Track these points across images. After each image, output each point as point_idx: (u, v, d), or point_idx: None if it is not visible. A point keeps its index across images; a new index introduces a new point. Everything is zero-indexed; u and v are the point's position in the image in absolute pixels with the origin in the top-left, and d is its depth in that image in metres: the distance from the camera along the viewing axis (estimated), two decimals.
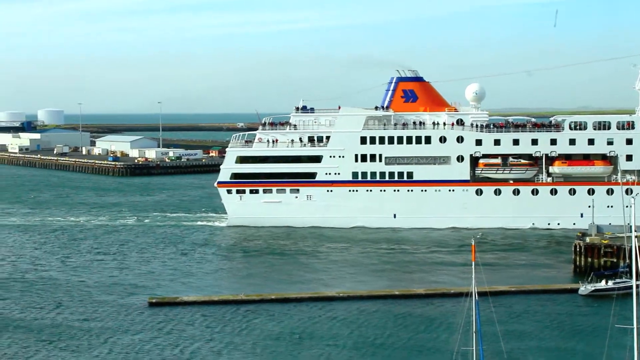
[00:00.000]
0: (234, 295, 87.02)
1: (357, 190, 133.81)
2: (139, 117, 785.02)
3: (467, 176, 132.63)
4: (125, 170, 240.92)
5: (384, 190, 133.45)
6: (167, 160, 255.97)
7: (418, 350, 69.48)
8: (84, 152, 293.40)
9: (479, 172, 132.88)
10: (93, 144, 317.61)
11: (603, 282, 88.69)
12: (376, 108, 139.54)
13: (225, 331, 74.96)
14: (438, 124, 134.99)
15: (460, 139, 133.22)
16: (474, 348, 54.13)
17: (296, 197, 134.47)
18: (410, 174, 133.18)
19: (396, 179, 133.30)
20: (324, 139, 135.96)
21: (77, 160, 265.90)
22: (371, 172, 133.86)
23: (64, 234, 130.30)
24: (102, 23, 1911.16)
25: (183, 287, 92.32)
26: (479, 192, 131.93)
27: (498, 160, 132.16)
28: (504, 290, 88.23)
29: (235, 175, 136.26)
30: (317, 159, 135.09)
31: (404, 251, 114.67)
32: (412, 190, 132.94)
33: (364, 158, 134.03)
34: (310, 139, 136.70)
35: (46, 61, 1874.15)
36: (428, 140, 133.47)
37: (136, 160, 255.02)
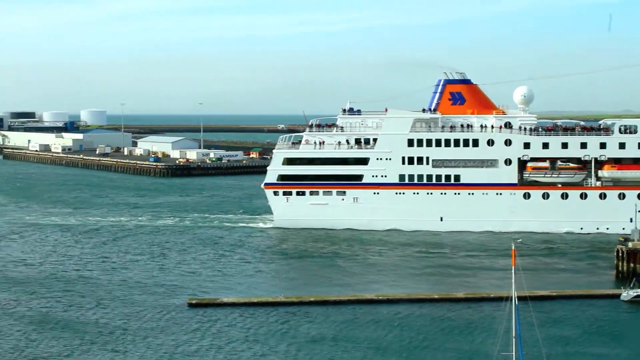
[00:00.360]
0: (273, 297, 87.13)
1: (403, 193, 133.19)
2: (181, 118, 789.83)
3: (514, 179, 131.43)
4: (166, 171, 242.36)
5: (431, 193, 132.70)
6: (207, 161, 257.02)
7: (457, 354, 69.05)
8: (125, 153, 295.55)
9: (527, 175, 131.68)
10: (135, 144, 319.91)
11: None
12: (423, 110, 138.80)
13: (264, 333, 75.01)
14: (486, 126, 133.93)
15: (508, 142, 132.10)
16: (514, 353, 53.71)
17: (343, 199, 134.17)
18: (457, 177, 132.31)
19: (443, 181, 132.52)
20: (371, 141, 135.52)
21: (118, 160, 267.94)
22: (418, 175, 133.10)
23: (105, 233, 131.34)
24: (144, 23, 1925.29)
25: (223, 288, 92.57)
26: (526, 196, 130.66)
27: (546, 164, 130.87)
28: (544, 295, 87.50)
29: (282, 177, 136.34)
30: (364, 161, 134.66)
31: (445, 255, 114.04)
32: (459, 193, 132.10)
33: (411, 160, 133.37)
34: (357, 141, 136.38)
35: (89, 62, 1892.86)
36: (476, 143, 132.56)
37: (177, 161, 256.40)
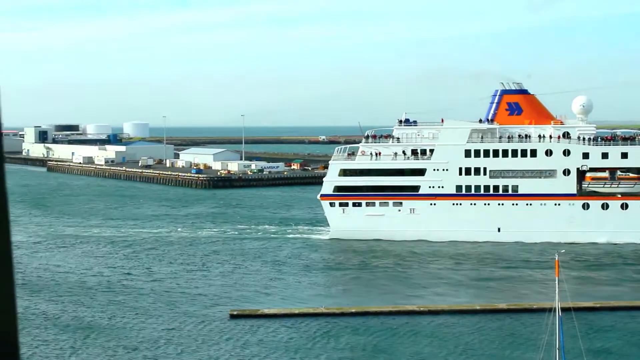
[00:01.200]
0: (314, 309, 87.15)
1: (460, 204, 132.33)
2: (222, 129, 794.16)
3: (573, 190, 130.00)
4: (208, 182, 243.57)
5: (488, 204, 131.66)
6: (249, 172, 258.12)
7: None
8: (167, 165, 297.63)
9: (586, 186, 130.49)
10: (177, 156, 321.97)
11: None
12: (480, 121, 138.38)
13: (304, 344, 75.04)
14: (544, 137, 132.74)
15: (566, 152, 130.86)
16: None
17: (399, 211, 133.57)
18: (515, 188, 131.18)
19: (501, 192, 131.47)
20: (428, 152, 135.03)
21: (161, 172, 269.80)
22: (475, 186, 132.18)
23: (147, 244, 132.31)
24: (186, 36, 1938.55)
25: (269, 299, 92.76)
26: (585, 207, 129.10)
27: (606, 174, 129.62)
28: (588, 306, 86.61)
29: (338, 188, 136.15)
30: (420, 172, 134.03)
31: (497, 265, 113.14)
32: (517, 204, 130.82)
33: (468, 171, 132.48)
34: (414, 152, 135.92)
35: (131, 75, 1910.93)
36: (534, 153, 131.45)
37: (219, 173, 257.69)
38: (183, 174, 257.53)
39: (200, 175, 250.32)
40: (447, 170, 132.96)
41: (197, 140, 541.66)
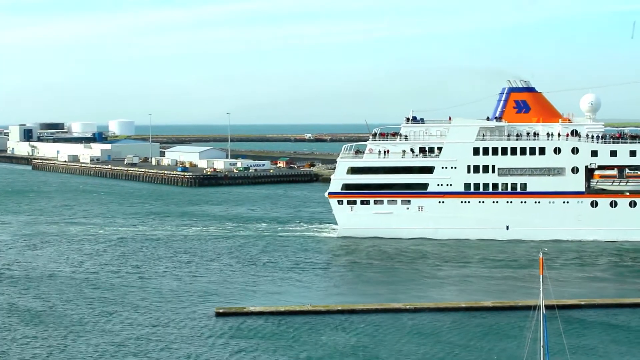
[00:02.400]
0: (300, 306, 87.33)
1: (469, 202, 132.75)
2: (208, 128, 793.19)
3: (582, 188, 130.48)
4: (193, 180, 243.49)
5: (497, 202, 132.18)
6: (235, 170, 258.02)
7: None
8: (153, 163, 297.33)
9: (594, 183, 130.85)
10: (162, 154, 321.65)
11: None
12: (487, 119, 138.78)
13: (289, 342, 75.17)
14: (552, 134, 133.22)
15: (575, 150, 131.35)
16: None
17: (407, 208, 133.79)
18: (523, 185, 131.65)
19: (509, 190, 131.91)
20: (436, 150, 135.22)
21: (146, 170, 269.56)
22: (484, 184, 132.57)
23: (132, 242, 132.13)
24: (171, 34, 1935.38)
25: (258, 297, 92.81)
26: (594, 204, 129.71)
27: (614, 172, 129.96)
28: (572, 304, 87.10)
29: (346, 186, 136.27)
30: (429, 169, 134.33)
31: (501, 265, 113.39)
32: (525, 202, 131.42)
33: (476, 169, 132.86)
34: (422, 150, 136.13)
35: (117, 73, 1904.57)
36: (542, 151, 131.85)
37: (204, 171, 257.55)
38: (169, 172, 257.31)
39: (186, 174, 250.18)
40: (455, 168, 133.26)
41: (182, 138, 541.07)
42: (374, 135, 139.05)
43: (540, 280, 54.08)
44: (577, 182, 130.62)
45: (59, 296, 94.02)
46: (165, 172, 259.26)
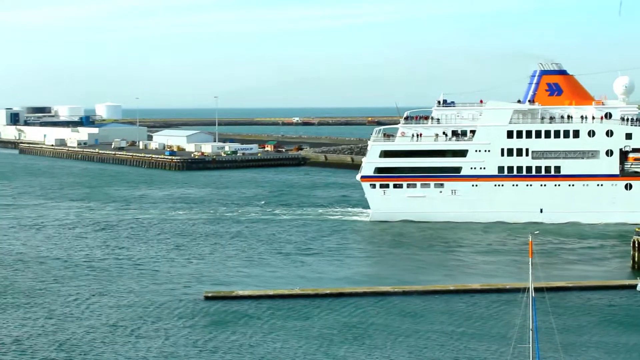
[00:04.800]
0: (289, 290, 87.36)
1: (502, 185, 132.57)
2: (196, 111, 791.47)
3: (616, 171, 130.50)
4: (181, 164, 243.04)
5: (531, 185, 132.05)
6: (222, 154, 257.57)
7: (473, 346, 69.04)
8: (141, 147, 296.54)
9: (629, 166, 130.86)
10: (150, 138, 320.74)
11: None
12: (518, 101, 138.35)
13: (277, 326, 75.22)
14: (586, 117, 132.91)
15: (609, 133, 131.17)
16: (530, 345, 53.71)
17: (440, 192, 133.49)
18: (557, 169, 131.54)
19: (543, 173, 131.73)
20: (468, 133, 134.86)
21: (134, 154, 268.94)
22: (517, 167, 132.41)
23: (121, 226, 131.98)
24: (160, 18, 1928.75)
25: (244, 282, 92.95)
26: (628, 187, 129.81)
27: None
28: (561, 286, 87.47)
29: (379, 170, 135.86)
30: (462, 153, 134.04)
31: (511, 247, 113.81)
32: (559, 185, 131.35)
33: (510, 152, 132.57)
34: (454, 133, 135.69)
35: (104, 56, 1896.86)
36: (576, 134, 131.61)
37: (192, 155, 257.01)
38: (156, 156, 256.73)
39: (173, 157, 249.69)
40: (489, 151, 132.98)
41: (170, 122, 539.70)
42: (405, 118, 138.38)
43: (530, 263, 54.15)
44: (611, 165, 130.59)
45: (47, 276, 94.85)
46: (153, 156, 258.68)
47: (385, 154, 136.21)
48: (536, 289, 55.29)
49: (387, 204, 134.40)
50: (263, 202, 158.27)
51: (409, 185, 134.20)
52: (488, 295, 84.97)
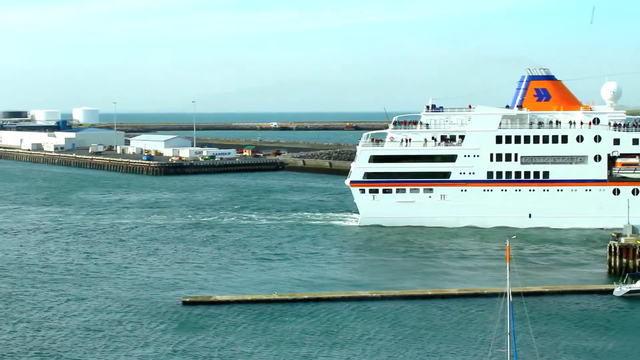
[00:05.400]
0: (267, 295, 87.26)
1: (491, 190, 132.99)
2: (173, 116, 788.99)
3: (604, 176, 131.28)
4: (159, 169, 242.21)
5: (519, 190, 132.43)
6: (200, 159, 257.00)
7: (452, 351, 69.21)
8: (118, 151, 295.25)
9: (617, 171, 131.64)
10: (127, 143, 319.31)
11: (638, 283, 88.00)
12: (507, 107, 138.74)
13: (255, 331, 75.12)
14: (574, 123, 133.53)
15: (597, 138, 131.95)
16: (508, 350, 53.92)
17: (430, 197, 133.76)
18: (546, 174, 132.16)
19: (532, 178, 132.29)
20: (457, 138, 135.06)
21: (111, 159, 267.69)
22: (506, 172, 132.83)
23: (98, 232, 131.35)
24: (137, 22, 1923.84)
25: (223, 287, 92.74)
26: (616, 192, 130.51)
27: (636, 160, 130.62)
28: (538, 290, 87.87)
29: (368, 175, 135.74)
30: (451, 158, 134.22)
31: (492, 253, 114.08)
32: (547, 190, 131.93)
33: (499, 157, 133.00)
34: (444, 138, 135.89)
35: (81, 61, 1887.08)
36: (565, 139, 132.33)
37: (170, 160, 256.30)
38: (134, 161, 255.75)
39: (151, 162, 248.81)
40: (478, 156, 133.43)
41: (148, 126, 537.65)
42: (394, 123, 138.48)
43: (507, 267, 54.39)
44: (600, 170, 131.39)
45: (23, 281, 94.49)
46: (131, 160, 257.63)
47: (375, 159, 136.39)
48: (514, 294, 55.60)
49: (377, 208, 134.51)
50: (238, 207, 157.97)
51: (398, 190, 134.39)
52: (465, 300, 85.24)
